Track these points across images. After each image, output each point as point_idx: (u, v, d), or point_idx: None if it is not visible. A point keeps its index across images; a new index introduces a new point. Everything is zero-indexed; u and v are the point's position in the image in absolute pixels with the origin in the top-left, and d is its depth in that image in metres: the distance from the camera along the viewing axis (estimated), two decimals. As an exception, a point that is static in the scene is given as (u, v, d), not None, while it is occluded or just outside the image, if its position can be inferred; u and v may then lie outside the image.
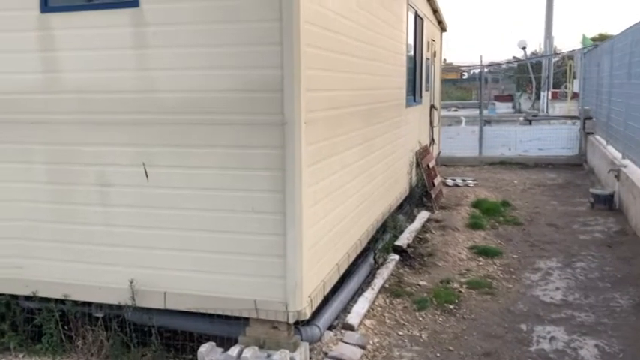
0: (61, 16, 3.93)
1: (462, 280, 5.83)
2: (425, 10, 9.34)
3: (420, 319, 4.92)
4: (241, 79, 3.67)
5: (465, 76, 42.59)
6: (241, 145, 3.74)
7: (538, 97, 25.30)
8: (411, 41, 8.11)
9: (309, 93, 3.73)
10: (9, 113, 4.09)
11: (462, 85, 42.89)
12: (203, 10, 3.65)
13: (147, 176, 3.92)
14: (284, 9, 3.48)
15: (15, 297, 4.33)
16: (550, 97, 22.16)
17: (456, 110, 26.02)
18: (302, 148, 3.64)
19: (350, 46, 4.83)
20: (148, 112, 3.87)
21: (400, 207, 7.70)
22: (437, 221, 8.09)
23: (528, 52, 27.77)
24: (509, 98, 28.11)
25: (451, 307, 5.15)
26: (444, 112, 15.49)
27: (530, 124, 15.32)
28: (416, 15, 8.38)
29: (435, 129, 11.17)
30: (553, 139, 14.04)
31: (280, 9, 3.49)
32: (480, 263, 6.40)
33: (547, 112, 21.37)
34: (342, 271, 4.73)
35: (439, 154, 12.53)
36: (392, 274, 5.88)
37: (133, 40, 3.81)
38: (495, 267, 6.27)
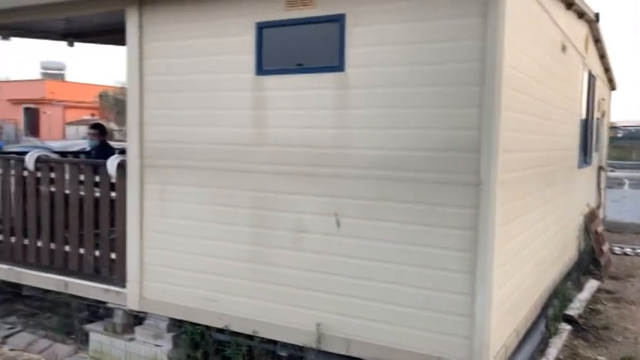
0: (272, 79, 4.39)
1: (649, 360, 5.32)
2: (597, 69, 8.98)
3: (604, 398, 4.56)
4: (436, 139, 3.81)
5: (620, 134, 39.53)
6: (432, 203, 3.85)
7: None
8: (584, 100, 7.81)
9: (504, 154, 3.77)
10: (222, 161, 4.60)
11: (618, 144, 39.79)
12: (405, 74, 3.89)
13: (338, 225, 4.17)
14: (487, 75, 3.60)
15: (208, 328, 4.74)
16: None
17: (613, 171, 24.12)
18: (496, 209, 3.66)
19: (536, 106, 4.81)
20: (343, 166, 4.14)
21: (568, 273, 7.27)
22: (608, 292, 7.50)
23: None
24: (678, 160, 25.46)
25: (640, 389, 4.71)
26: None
27: None
28: (589, 74, 8.08)
29: (601, 191, 10.48)
30: None
31: (483, 75, 3.61)
32: (667, 344, 5.80)
33: None
34: (520, 337, 4.57)
35: (604, 218, 11.67)
36: (565, 345, 5.54)
37: (336, 101, 4.14)
38: (687, 350, 5.64)
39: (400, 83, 3.91)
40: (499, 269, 3.81)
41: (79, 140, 14.62)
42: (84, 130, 30.21)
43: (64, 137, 29.81)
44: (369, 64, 4.01)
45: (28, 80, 37.59)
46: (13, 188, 5.93)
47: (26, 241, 5.80)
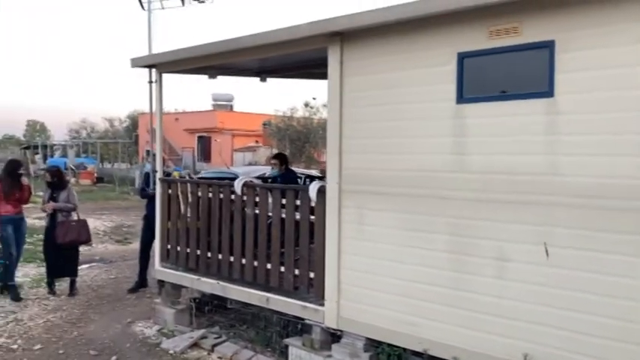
0: (473, 107, 4.45)
1: None
2: None
3: None
4: (663, 166, 3.59)
5: None
6: (659, 233, 3.61)
7: None
8: None
9: None
10: (419, 188, 4.74)
11: None
12: (626, 98, 3.72)
13: (547, 255, 4.06)
14: None
15: (405, 350, 4.86)
16: None
17: None
18: None
19: None
20: (552, 194, 4.04)
21: None
22: None
23: None
24: None
25: None
26: None
27: None
28: None
29: None
30: None
31: None
32: None
33: None
34: None
35: None
36: None
37: (544, 127, 4.08)
38: None
39: (620, 108, 3.75)
40: None
41: (257, 166, 15.89)
42: (250, 156, 32.61)
43: (232, 163, 32.41)
44: (583, 90, 3.91)
45: (201, 111, 41.62)
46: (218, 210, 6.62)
47: (232, 259, 6.43)
